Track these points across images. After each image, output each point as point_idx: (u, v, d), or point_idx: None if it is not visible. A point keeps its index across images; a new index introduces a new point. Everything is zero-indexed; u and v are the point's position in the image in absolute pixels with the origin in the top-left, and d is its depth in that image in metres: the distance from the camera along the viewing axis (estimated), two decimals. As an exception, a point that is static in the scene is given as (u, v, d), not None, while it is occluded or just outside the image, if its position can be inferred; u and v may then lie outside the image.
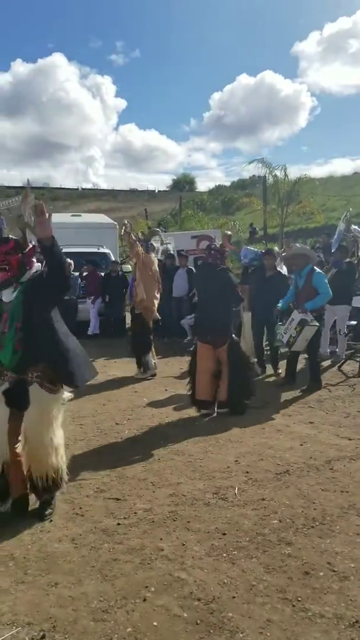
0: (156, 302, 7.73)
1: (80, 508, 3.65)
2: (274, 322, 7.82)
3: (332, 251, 9.92)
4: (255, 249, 8.87)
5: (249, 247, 8.99)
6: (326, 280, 6.89)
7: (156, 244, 14.82)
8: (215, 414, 5.84)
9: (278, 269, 8.08)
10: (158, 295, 7.80)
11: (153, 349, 7.99)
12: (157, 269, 7.92)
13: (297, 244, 7.67)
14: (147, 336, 7.84)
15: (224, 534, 3.27)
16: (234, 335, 6.10)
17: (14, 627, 2.44)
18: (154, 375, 7.82)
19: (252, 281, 8.14)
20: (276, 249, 10.69)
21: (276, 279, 7.76)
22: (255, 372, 7.27)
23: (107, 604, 2.60)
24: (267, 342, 8.05)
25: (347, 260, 9.01)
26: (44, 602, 2.63)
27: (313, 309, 6.74)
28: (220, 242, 6.42)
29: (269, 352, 7.97)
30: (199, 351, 5.94)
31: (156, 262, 8.07)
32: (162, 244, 8.09)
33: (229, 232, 7.14)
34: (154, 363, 7.89)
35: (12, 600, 2.64)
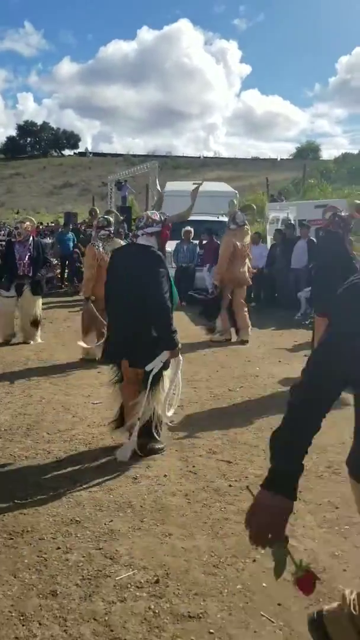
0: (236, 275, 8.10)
1: (194, 467, 3.77)
2: None
3: None
4: None
5: None
6: None
7: (278, 214, 14.55)
8: None
9: None
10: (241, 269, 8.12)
11: (224, 314, 8.18)
12: (238, 243, 8.09)
13: None
14: (218, 302, 8.20)
15: (337, 508, 3.23)
16: None
17: (131, 569, 2.61)
18: (228, 339, 8.12)
19: None
20: None
21: None
22: None
23: (218, 559, 2.69)
24: None
25: None
26: (158, 550, 2.78)
27: None
28: (347, 213, 6.15)
29: None
30: (317, 323, 5.81)
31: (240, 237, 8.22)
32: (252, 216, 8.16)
33: (358, 201, 6.78)
34: (227, 329, 8.18)
35: (130, 545, 2.81)
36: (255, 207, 8.31)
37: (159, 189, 5.89)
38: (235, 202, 8.66)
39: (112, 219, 7.24)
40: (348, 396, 5.43)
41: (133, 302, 3.80)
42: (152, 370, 3.76)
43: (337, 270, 5.64)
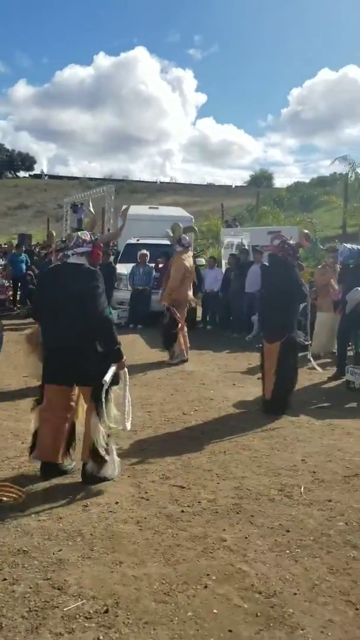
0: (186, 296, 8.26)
1: (146, 492, 3.72)
2: None
3: None
4: (353, 246, 8.43)
5: (346, 245, 8.53)
6: None
7: (232, 239, 14.81)
8: (261, 411, 5.79)
9: None
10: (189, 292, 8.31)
11: (181, 339, 8.30)
12: (187, 265, 8.27)
13: (351, 294, 7.08)
14: (174, 327, 8.26)
15: (288, 531, 3.24)
16: (297, 334, 5.97)
17: (80, 599, 2.54)
18: (184, 360, 8.25)
19: (347, 280, 7.74)
20: None
21: None
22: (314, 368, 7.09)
23: (169, 587, 2.65)
24: (351, 347, 7.81)
25: None
26: (108, 578, 2.71)
27: None
28: (295, 240, 6.29)
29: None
30: (265, 349, 5.92)
31: (188, 259, 8.38)
32: (195, 237, 8.28)
33: (306, 231, 6.96)
34: (183, 351, 8.31)
35: (79, 574, 2.74)
36: (196, 228, 8.47)
37: (92, 209, 5.79)
38: (182, 225, 8.74)
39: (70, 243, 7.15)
40: (300, 418, 5.52)
41: (73, 320, 3.76)
42: (103, 385, 3.71)
43: (286, 296, 5.78)
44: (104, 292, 3.85)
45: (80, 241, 4.04)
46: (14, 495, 3.53)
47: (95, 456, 3.77)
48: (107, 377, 3.71)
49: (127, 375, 4.05)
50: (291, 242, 6.04)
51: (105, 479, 3.83)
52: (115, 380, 3.85)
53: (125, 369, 3.98)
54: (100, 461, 3.78)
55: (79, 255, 4.00)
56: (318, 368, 7.13)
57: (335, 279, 9.01)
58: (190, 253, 8.66)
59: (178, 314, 8.21)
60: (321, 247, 15.52)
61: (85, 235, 4.12)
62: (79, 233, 4.21)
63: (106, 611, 2.45)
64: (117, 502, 3.56)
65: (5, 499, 3.48)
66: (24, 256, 15.05)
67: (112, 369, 3.78)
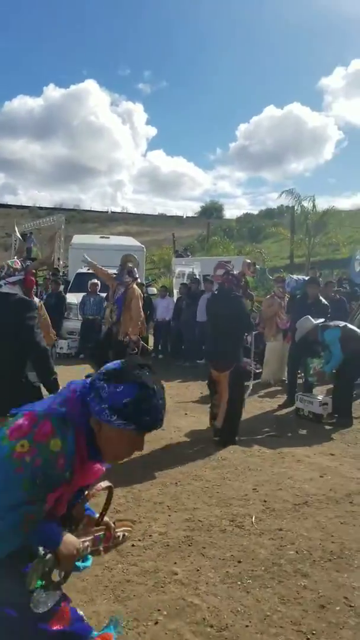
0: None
1: (96, 527, 3.64)
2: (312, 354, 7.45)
3: (357, 282, 9.88)
4: (299, 277, 8.64)
5: (292, 275, 8.75)
6: (337, 338, 6.59)
7: (184, 269, 14.98)
8: (214, 439, 5.81)
9: (320, 298, 7.71)
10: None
11: None
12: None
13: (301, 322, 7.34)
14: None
15: (239, 562, 3.23)
16: (248, 362, 6.08)
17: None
18: None
19: (294, 310, 7.93)
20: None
21: (319, 308, 7.39)
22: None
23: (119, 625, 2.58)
24: (301, 374, 7.97)
25: None
26: (56, 619, 2.62)
27: (332, 369, 6.75)
28: (239, 270, 6.43)
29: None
30: (213, 376, 6.00)
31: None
32: (137, 267, 8.19)
33: (249, 260, 7.11)
34: None
35: None
36: (136, 257, 8.45)
37: (19, 235, 5.80)
38: (137, 256, 8.75)
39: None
40: (252, 447, 5.55)
41: (7, 350, 3.66)
42: None
43: (231, 326, 5.84)
44: (37, 322, 3.79)
45: (11, 270, 3.99)
46: (129, 528, 3.32)
47: None
48: None
49: None
50: (235, 272, 6.14)
51: None
52: None
53: None
54: None
55: (11, 284, 3.95)
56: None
57: (282, 308, 9.24)
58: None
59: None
60: (269, 277, 15.91)
61: (16, 263, 4.08)
62: (9, 262, 4.16)
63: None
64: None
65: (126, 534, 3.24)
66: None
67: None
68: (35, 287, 4.32)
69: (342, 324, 6.92)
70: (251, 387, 6.79)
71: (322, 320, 6.88)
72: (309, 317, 6.96)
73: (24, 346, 3.66)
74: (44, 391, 3.83)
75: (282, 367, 9.10)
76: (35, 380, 3.77)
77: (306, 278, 8.48)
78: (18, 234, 5.68)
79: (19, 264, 4.06)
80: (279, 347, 9.15)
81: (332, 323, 6.85)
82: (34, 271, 4.22)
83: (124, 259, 8.18)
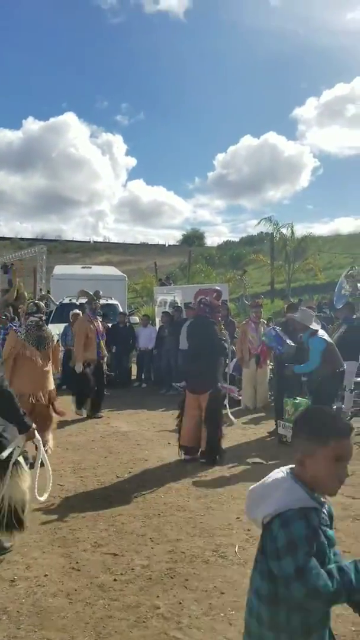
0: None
1: (77, 562, 3.59)
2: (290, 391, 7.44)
3: (337, 307, 10.01)
4: (281, 337, 7.31)
5: (274, 329, 7.57)
6: (320, 350, 6.58)
7: (165, 297, 15.06)
8: (200, 460, 6.01)
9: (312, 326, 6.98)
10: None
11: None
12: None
13: (297, 314, 7.37)
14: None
15: (222, 593, 3.20)
16: (222, 386, 6.34)
17: None
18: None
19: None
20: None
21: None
22: (231, 421, 7.32)
23: (100, 663, 2.53)
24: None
25: (357, 316, 9.08)
26: (35, 659, 2.57)
27: (300, 372, 6.92)
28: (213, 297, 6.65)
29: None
30: (187, 399, 6.29)
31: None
32: (94, 301, 8.60)
33: (218, 288, 7.34)
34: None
35: (3, 657, 2.58)
36: (91, 293, 8.83)
37: None
38: (118, 286, 9.05)
39: (42, 305, 6.55)
40: (235, 474, 5.54)
41: None
42: (9, 458, 3.50)
43: (206, 348, 6.18)
44: (2, 363, 3.73)
45: None
46: None
47: None
48: (5, 453, 3.47)
49: (41, 444, 3.87)
50: (207, 299, 6.51)
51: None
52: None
53: (38, 437, 3.72)
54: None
55: None
56: (232, 418, 7.39)
57: (257, 333, 9.31)
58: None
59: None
60: (246, 302, 16.01)
61: None
62: None
63: None
64: (46, 575, 3.41)
65: None
66: None
67: (17, 440, 3.55)
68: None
69: (329, 340, 6.97)
70: (229, 411, 6.86)
71: (319, 327, 6.96)
72: (311, 311, 7.07)
73: None
74: None
75: (260, 392, 9.19)
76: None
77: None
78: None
79: None
80: (252, 373, 9.27)
81: (321, 333, 6.89)
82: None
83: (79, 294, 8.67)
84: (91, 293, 8.94)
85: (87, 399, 8.51)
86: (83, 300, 9.62)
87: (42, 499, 3.85)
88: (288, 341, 7.11)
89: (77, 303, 8.48)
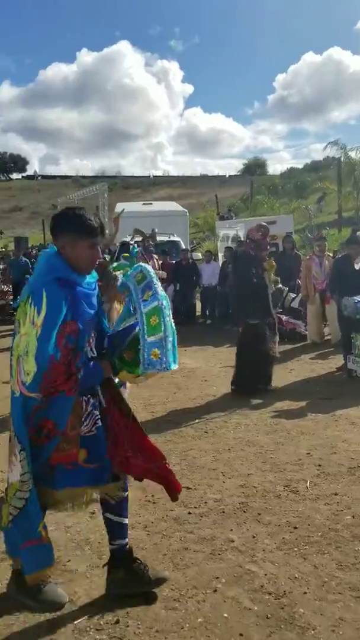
0: None
1: (152, 496, 3.72)
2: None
3: None
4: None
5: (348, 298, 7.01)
6: None
7: (228, 232, 14.78)
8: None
9: None
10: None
11: None
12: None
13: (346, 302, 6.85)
14: None
15: (295, 528, 3.24)
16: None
17: (90, 611, 2.53)
18: None
19: (339, 273, 7.33)
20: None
21: None
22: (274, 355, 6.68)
23: (179, 592, 2.65)
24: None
25: None
26: (118, 587, 2.71)
27: None
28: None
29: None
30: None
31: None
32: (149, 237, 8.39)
33: (264, 223, 6.96)
34: None
35: (88, 584, 2.74)
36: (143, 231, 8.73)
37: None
38: (180, 221, 8.89)
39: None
40: (304, 410, 5.48)
41: None
42: None
43: (248, 288, 6.20)
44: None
45: None
46: None
47: None
48: None
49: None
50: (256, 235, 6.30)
51: None
52: None
53: None
54: None
55: None
56: (276, 352, 6.79)
57: (322, 268, 8.95)
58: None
59: None
60: (309, 235, 15.38)
61: None
62: None
63: (117, 622, 2.45)
64: (123, 508, 3.55)
65: None
66: (24, 260, 14.88)
67: None
68: None
69: None
70: (276, 344, 6.61)
71: None
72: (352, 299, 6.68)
73: None
74: None
75: (332, 328, 8.94)
76: None
77: None
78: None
79: None
80: (317, 308, 9.02)
81: None
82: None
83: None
84: (145, 232, 8.86)
85: None
86: (138, 239, 9.58)
87: None
88: None
89: (132, 243, 8.38)
